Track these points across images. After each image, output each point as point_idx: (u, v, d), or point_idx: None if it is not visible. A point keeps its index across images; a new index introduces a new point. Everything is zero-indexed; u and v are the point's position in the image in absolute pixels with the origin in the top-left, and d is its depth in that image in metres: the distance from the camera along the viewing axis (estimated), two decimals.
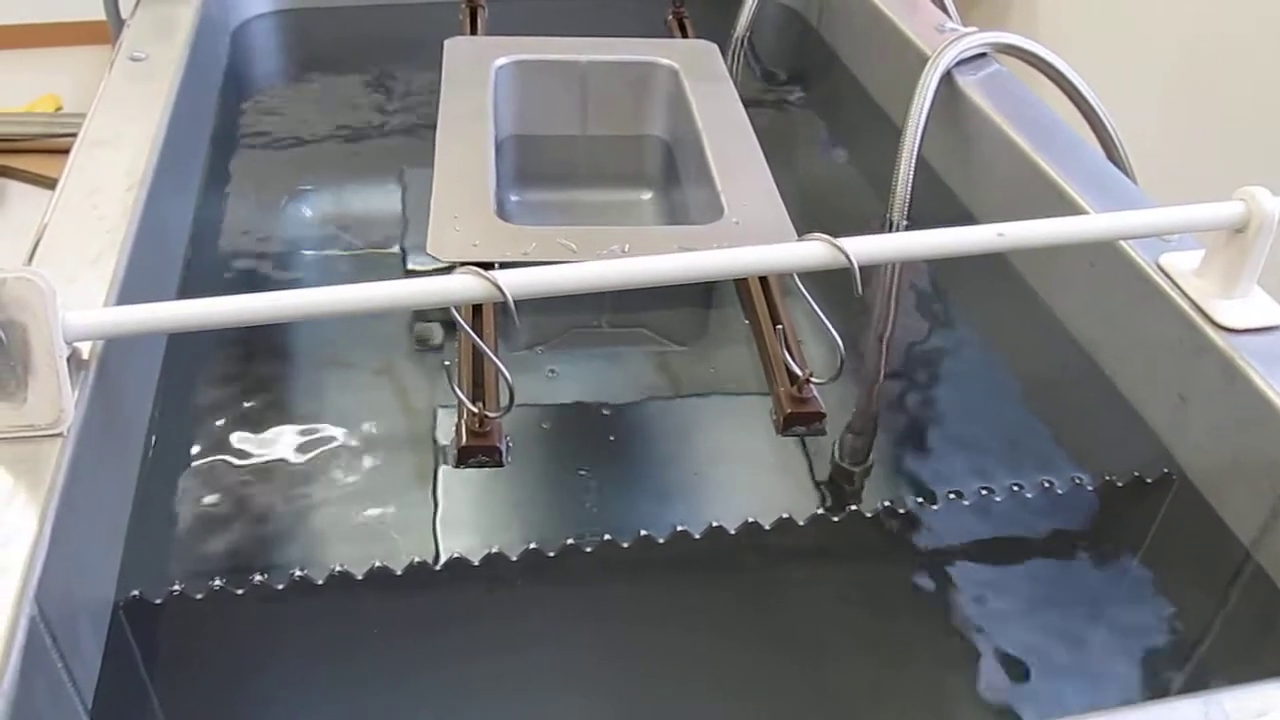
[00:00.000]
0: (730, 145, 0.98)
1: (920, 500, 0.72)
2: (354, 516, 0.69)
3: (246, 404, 0.76)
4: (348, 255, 0.95)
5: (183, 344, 0.79)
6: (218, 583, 0.63)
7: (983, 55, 1.03)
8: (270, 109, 1.14)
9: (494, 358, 0.68)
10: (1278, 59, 1.58)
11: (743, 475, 0.75)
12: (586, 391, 0.80)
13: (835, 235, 0.66)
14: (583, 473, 0.73)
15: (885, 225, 0.94)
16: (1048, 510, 0.72)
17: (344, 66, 1.21)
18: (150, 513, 0.67)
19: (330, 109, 1.14)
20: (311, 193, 1.01)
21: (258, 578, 0.64)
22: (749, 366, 0.82)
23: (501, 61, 1.07)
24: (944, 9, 1.16)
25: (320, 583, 0.64)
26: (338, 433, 0.74)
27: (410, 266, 0.93)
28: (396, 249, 0.95)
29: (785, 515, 0.69)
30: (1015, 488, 0.73)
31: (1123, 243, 0.78)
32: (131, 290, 0.71)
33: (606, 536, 0.67)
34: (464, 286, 0.61)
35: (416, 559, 0.65)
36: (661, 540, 0.68)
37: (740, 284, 0.88)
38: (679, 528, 0.68)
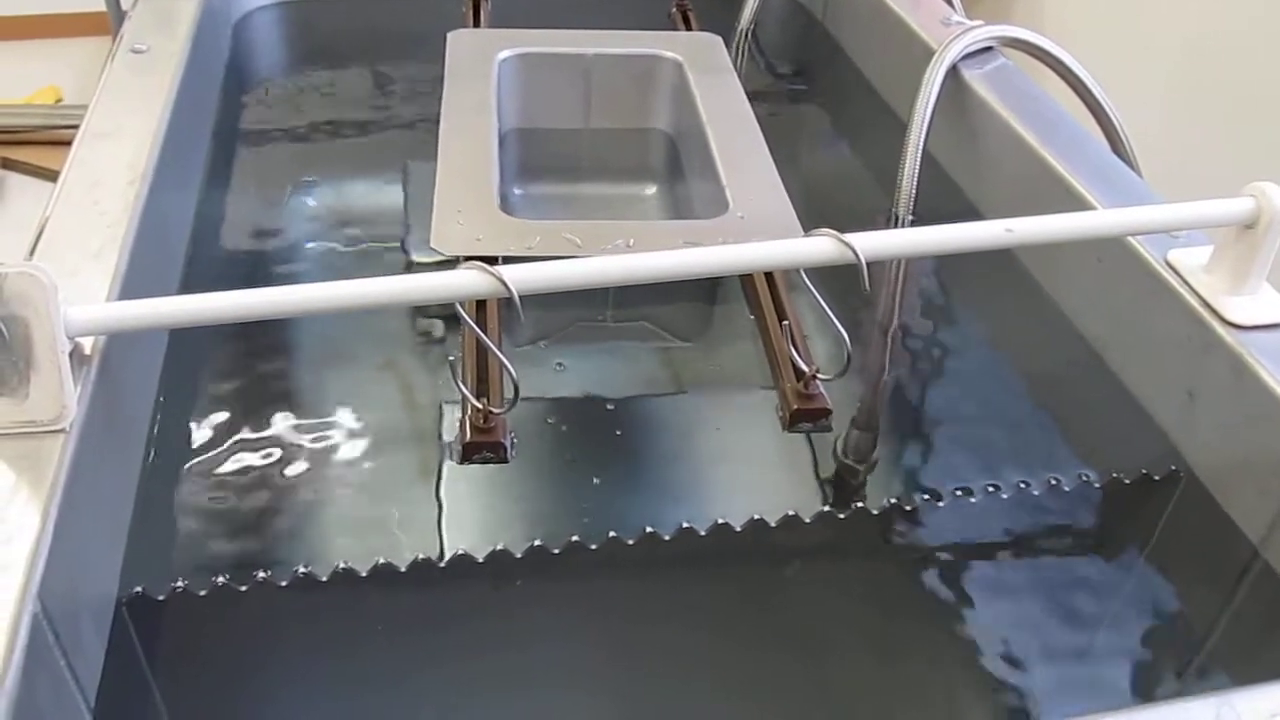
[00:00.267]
0: (735, 139, 0.97)
1: (926, 497, 0.71)
2: (358, 513, 0.69)
3: (249, 399, 0.76)
4: (350, 249, 0.94)
5: (185, 338, 0.78)
6: (221, 579, 0.63)
7: (988, 49, 1.02)
8: (272, 102, 1.14)
9: (499, 353, 0.67)
10: None
11: (748, 472, 0.75)
12: (591, 387, 0.79)
13: (840, 229, 0.65)
14: (587, 470, 0.73)
15: (890, 220, 0.93)
16: (1054, 508, 0.72)
17: (346, 59, 1.21)
18: (153, 508, 0.67)
19: (332, 102, 1.13)
20: (314, 186, 1.01)
21: (261, 574, 0.63)
22: (754, 362, 0.82)
23: (505, 54, 1.07)
24: (949, 2, 1.15)
25: (324, 579, 0.64)
26: (341, 428, 0.74)
27: (413, 260, 0.93)
28: (399, 243, 0.94)
29: (791, 512, 0.69)
30: (1022, 485, 0.72)
31: (1130, 238, 0.77)
32: (133, 284, 0.70)
33: (612, 533, 0.67)
34: (469, 282, 0.61)
35: (420, 556, 0.65)
36: (667, 537, 0.67)
37: (745, 279, 0.87)
38: (684, 525, 0.68)
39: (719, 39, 1.13)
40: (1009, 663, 0.63)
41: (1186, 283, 0.74)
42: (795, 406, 0.74)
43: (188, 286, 0.85)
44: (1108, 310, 0.81)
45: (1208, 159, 1.67)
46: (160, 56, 0.97)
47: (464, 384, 0.72)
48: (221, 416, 0.74)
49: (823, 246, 0.65)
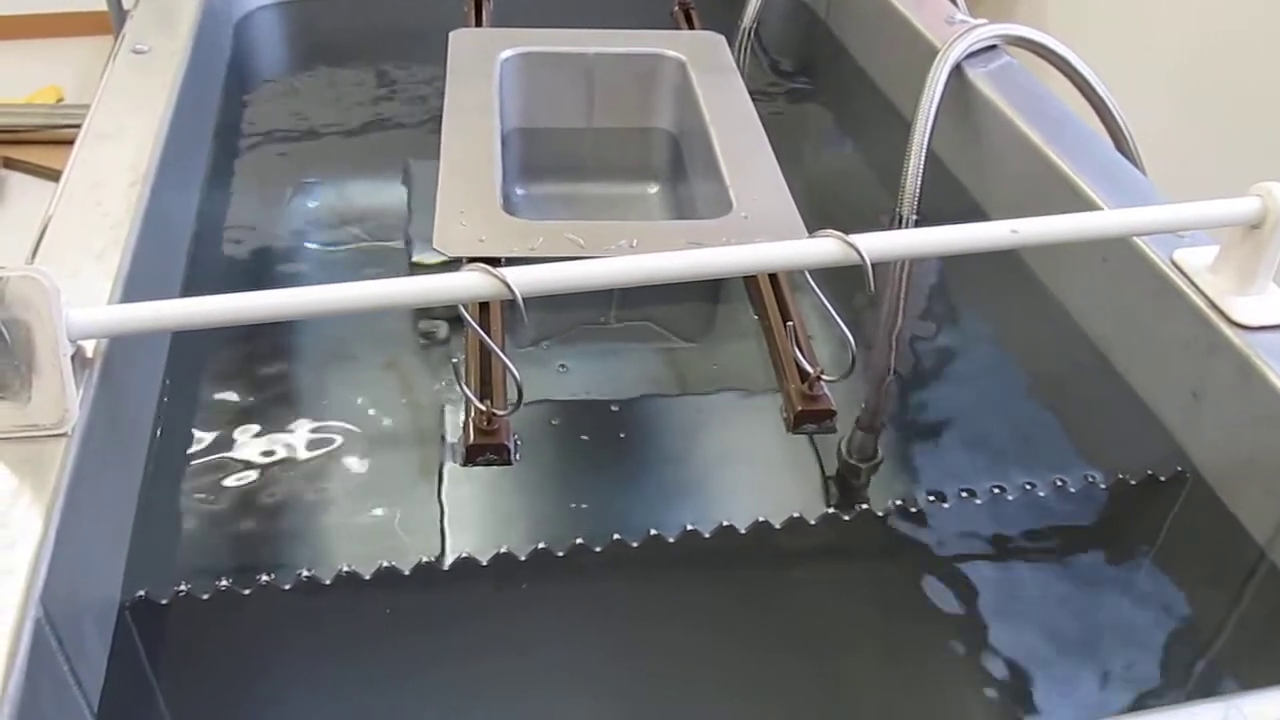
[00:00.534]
0: (738, 138, 0.97)
1: (931, 499, 0.71)
2: (361, 515, 0.68)
3: (252, 401, 0.76)
4: (353, 249, 0.94)
5: (187, 340, 0.78)
6: (224, 583, 0.63)
7: (992, 47, 1.02)
8: (274, 102, 1.14)
9: (502, 355, 0.67)
10: None
11: (753, 473, 0.75)
12: (595, 388, 0.79)
13: (844, 229, 0.65)
14: (591, 471, 0.72)
15: (894, 219, 0.93)
16: (1060, 509, 0.71)
17: (348, 58, 1.21)
18: (156, 512, 0.67)
19: (334, 102, 1.13)
20: (316, 186, 1.01)
21: (264, 578, 0.63)
22: (758, 362, 0.82)
23: (507, 54, 1.07)
24: (953, 0, 1.15)
25: (327, 582, 0.63)
26: (344, 430, 0.74)
27: (416, 260, 0.92)
28: (402, 243, 0.94)
29: (796, 514, 0.69)
30: (1028, 486, 0.72)
31: (1136, 238, 0.77)
32: (136, 286, 0.70)
33: (616, 536, 0.67)
34: (472, 284, 0.60)
35: (424, 559, 0.65)
36: (671, 539, 0.67)
37: (749, 279, 0.87)
38: (689, 527, 0.68)
39: (722, 38, 1.12)
40: (1014, 664, 0.62)
41: (1192, 283, 0.73)
42: (799, 408, 0.74)
43: (190, 287, 0.85)
44: (1113, 310, 0.81)
45: (1213, 158, 1.66)
46: (161, 56, 0.97)
47: (467, 386, 0.72)
48: (224, 419, 0.74)
49: (827, 248, 0.64)
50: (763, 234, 0.84)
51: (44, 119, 2.49)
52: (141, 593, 0.62)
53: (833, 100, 1.22)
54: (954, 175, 1.01)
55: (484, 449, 0.70)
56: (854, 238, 0.64)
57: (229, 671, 0.60)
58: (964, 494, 0.71)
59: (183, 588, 0.62)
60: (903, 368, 0.84)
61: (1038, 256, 0.89)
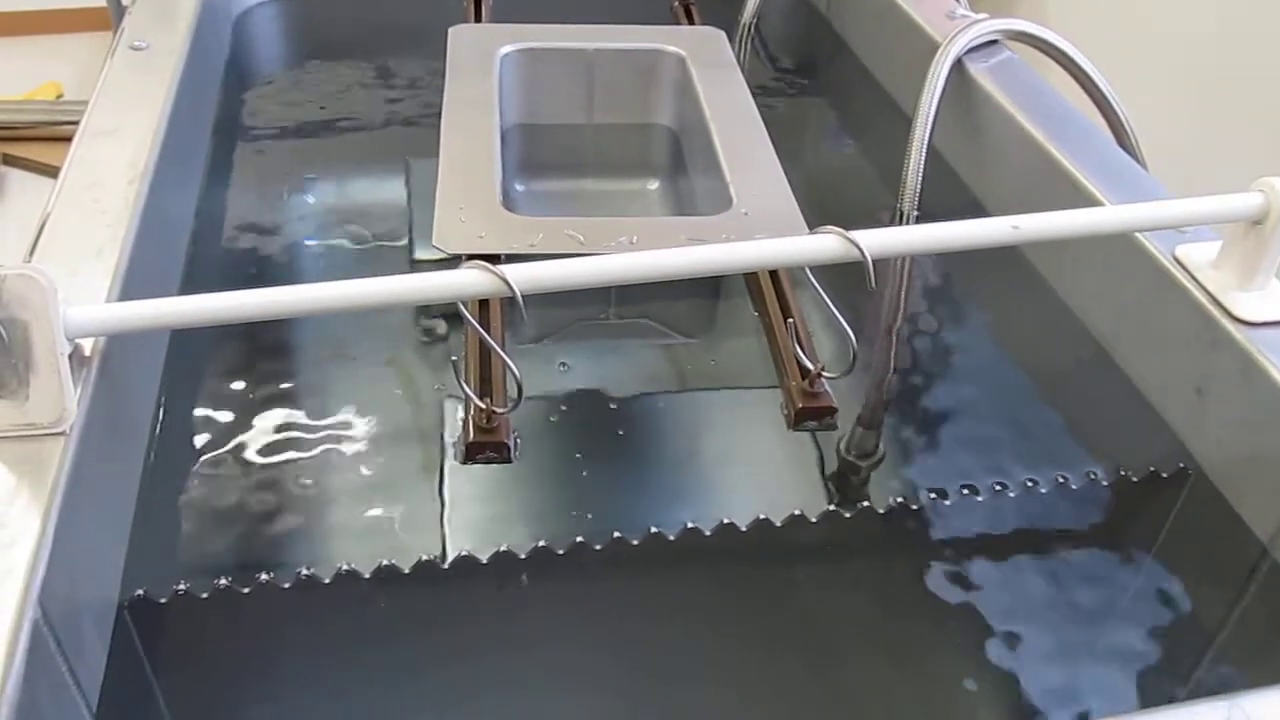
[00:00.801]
0: (738, 134, 0.96)
1: (933, 496, 0.71)
2: (361, 514, 0.68)
3: (251, 398, 0.76)
4: (352, 246, 0.94)
5: (186, 337, 0.78)
6: (224, 581, 0.63)
7: (993, 42, 1.01)
8: (273, 98, 1.13)
9: (502, 353, 0.67)
10: None
11: (753, 470, 0.74)
12: (595, 385, 0.79)
13: (844, 225, 0.65)
14: (591, 469, 0.72)
15: (895, 215, 0.93)
16: (1062, 506, 0.71)
17: (347, 54, 1.20)
18: (155, 510, 0.67)
19: (334, 97, 1.13)
20: (315, 183, 1.01)
21: (264, 576, 0.63)
22: (758, 358, 0.81)
23: (506, 49, 1.06)
24: None
25: (327, 581, 0.63)
26: (344, 428, 0.74)
27: (416, 257, 0.92)
28: (402, 240, 0.94)
29: (797, 512, 0.69)
30: (1029, 483, 0.72)
31: (1138, 234, 0.77)
32: (134, 284, 0.70)
33: (616, 533, 0.67)
34: (472, 281, 0.60)
35: (424, 557, 0.65)
36: (672, 537, 0.67)
37: (750, 276, 0.87)
38: (689, 525, 0.68)
39: (722, 33, 1.12)
40: (1016, 662, 0.62)
41: (1195, 278, 0.73)
42: (800, 405, 0.74)
43: (189, 284, 0.85)
44: (1115, 306, 0.80)
45: (1214, 152, 1.66)
46: (160, 52, 0.96)
47: (467, 384, 0.71)
48: (223, 417, 0.74)
49: (828, 244, 0.64)
50: (763, 230, 0.84)
51: (43, 115, 2.48)
52: (140, 591, 0.62)
53: (833, 96, 1.22)
54: (955, 171, 1.01)
55: (484, 447, 0.70)
56: (855, 234, 0.64)
57: (228, 671, 0.60)
58: (965, 491, 0.71)
59: (182, 586, 0.62)
60: (903, 364, 0.84)
61: (1039, 252, 0.89)
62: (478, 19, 1.22)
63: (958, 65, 0.97)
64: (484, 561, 0.65)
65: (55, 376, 0.56)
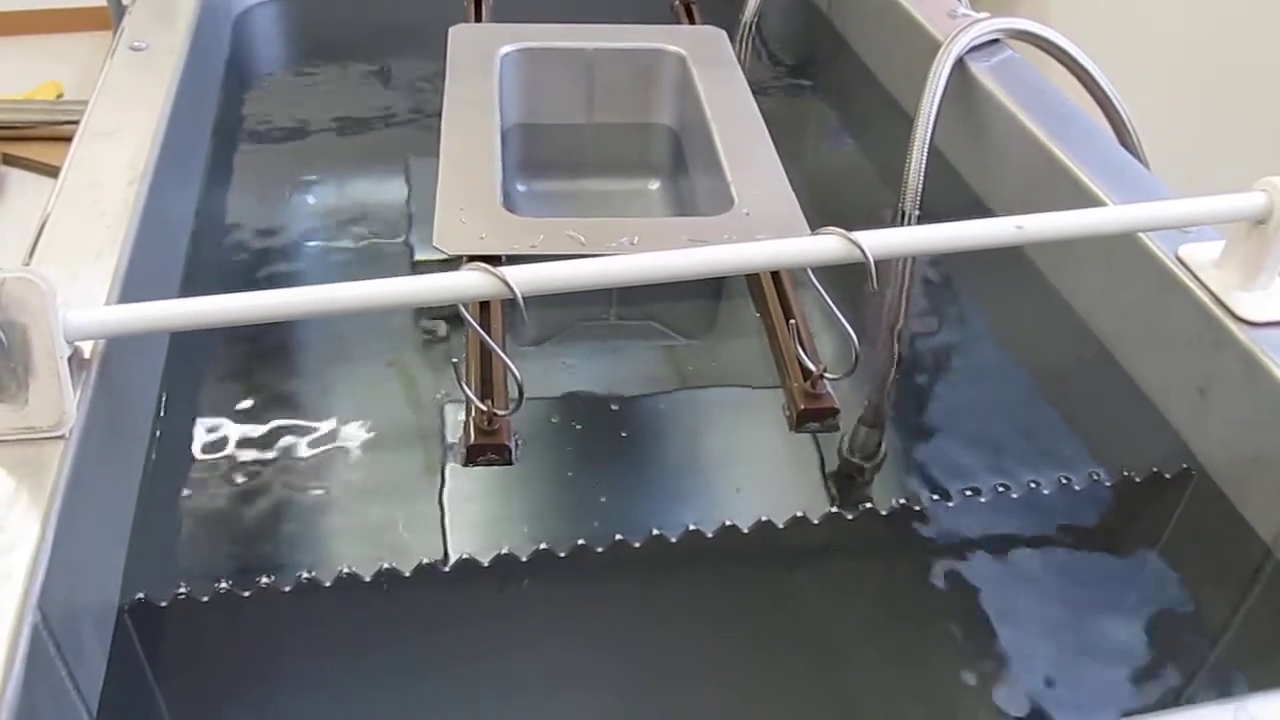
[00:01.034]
0: (739, 134, 0.96)
1: (936, 497, 0.70)
2: (361, 516, 0.68)
3: (252, 400, 0.75)
4: (353, 247, 0.93)
5: (186, 339, 0.78)
6: (224, 585, 0.62)
7: (995, 41, 1.01)
8: (273, 98, 1.13)
9: (503, 355, 0.66)
10: None
11: (755, 471, 0.74)
12: (596, 387, 0.79)
13: (846, 225, 0.64)
14: (593, 471, 0.72)
15: (897, 215, 0.93)
16: (1065, 507, 0.71)
17: (348, 54, 1.20)
18: (155, 513, 0.66)
19: (334, 98, 1.12)
20: (315, 184, 1.00)
21: (264, 579, 0.63)
22: (760, 359, 0.81)
23: (507, 49, 1.06)
24: None
25: (328, 584, 0.63)
26: (345, 430, 0.73)
27: (416, 258, 0.92)
28: (402, 240, 0.94)
29: (799, 514, 0.68)
30: (1032, 484, 0.72)
31: (1141, 233, 0.76)
32: (134, 285, 0.70)
33: (618, 536, 0.66)
34: (473, 283, 0.60)
35: (425, 560, 0.64)
36: (674, 540, 0.67)
37: (751, 276, 0.87)
38: (691, 527, 0.67)
39: (723, 32, 1.12)
40: (1019, 665, 0.62)
41: (1198, 278, 0.73)
42: (802, 406, 0.73)
43: (189, 285, 0.85)
44: (1118, 306, 0.80)
45: (1215, 151, 1.66)
46: (160, 53, 0.96)
47: (468, 386, 0.71)
48: (224, 419, 0.74)
49: (830, 245, 0.64)
50: (764, 230, 0.83)
51: (43, 115, 2.48)
52: (140, 595, 0.61)
53: (834, 95, 1.22)
54: (957, 170, 1.00)
55: (485, 449, 0.70)
56: (857, 235, 0.63)
57: (229, 674, 0.60)
58: (968, 492, 0.71)
59: (182, 590, 0.62)
60: (906, 364, 0.83)
61: (1042, 252, 0.88)
62: (478, 19, 1.22)
63: (959, 64, 0.97)
64: (485, 564, 0.65)
65: (55, 380, 0.56)
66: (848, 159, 1.12)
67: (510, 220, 0.84)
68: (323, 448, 0.72)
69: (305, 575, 0.63)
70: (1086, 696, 0.61)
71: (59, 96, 2.66)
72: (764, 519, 0.68)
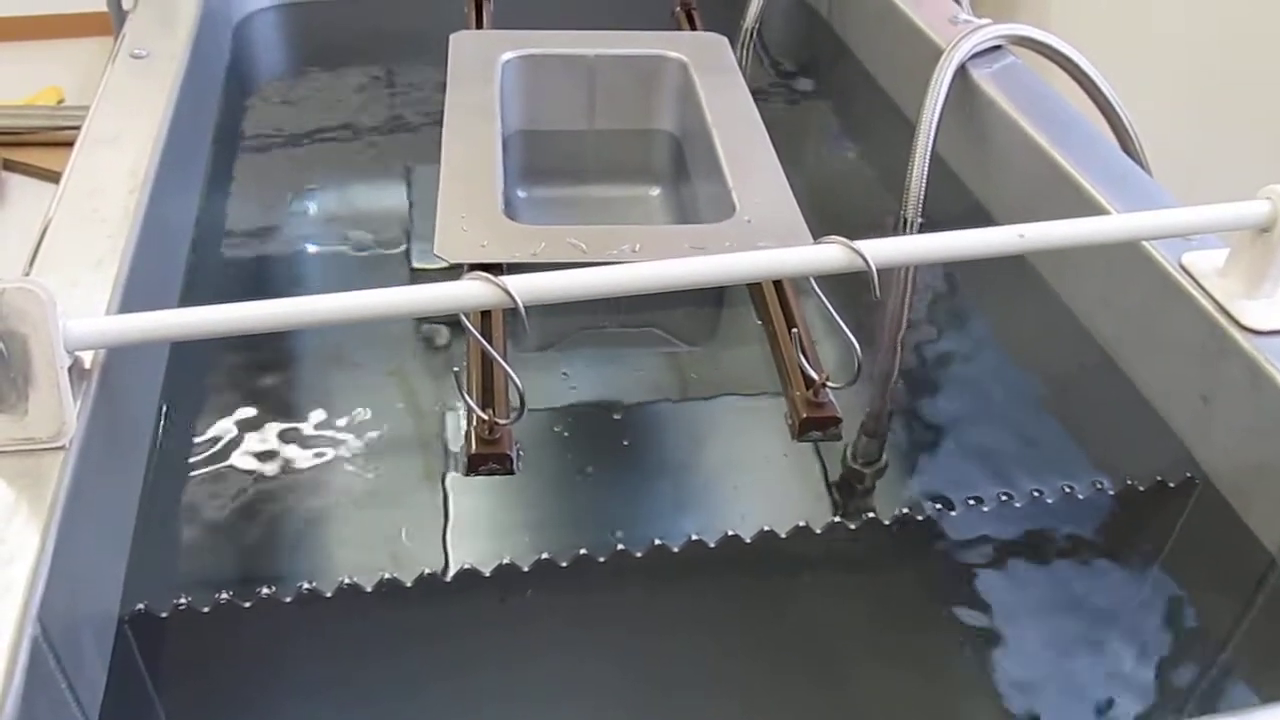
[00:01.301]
0: (741, 140, 0.96)
1: (939, 507, 0.70)
2: (362, 526, 0.68)
3: (252, 409, 0.75)
4: (354, 254, 0.93)
5: (187, 348, 0.77)
6: (224, 595, 0.62)
7: (997, 47, 1.01)
8: (274, 105, 1.13)
9: (504, 364, 0.66)
10: None
11: (758, 480, 0.74)
12: (598, 394, 0.78)
13: (847, 231, 0.64)
14: (595, 480, 0.72)
15: (899, 222, 0.93)
16: (1068, 516, 0.71)
17: (348, 61, 1.20)
18: (155, 523, 0.66)
19: (334, 105, 1.12)
20: (316, 191, 1.00)
21: (265, 590, 0.63)
22: (762, 367, 0.81)
23: (508, 56, 1.06)
24: (956, 0, 1.14)
25: (329, 595, 0.63)
26: (346, 439, 0.73)
27: (416, 265, 0.92)
28: (403, 248, 0.94)
29: (802, 523, 0.68)
30: (1035, 493, 0.71)
31: (1144, 240, 0.76)
32: (135, 294, 0.70)
33: (620, 546, 0.66)
34: (474, 293, 0.60)
35: (426, 570, 0.64)
36: (676, 549, 0.67)
37: (753, 284, 0.86)
38: (693, 537, 0.67)
39: (724, 39, 1.12)
40: (1024, 675, 0.62)
41: (1201, 286, 0.73)
42: (804, 415, 0.73)
43: (189, 292, 0.84)
44: (1120, 313, 0.80)
45: (1217, 157, 1.66)
46: (160, 60, 0.96)
47: (469, 395, 0.71)
48: (225, 427, 0.73)
49: (832, 254, 0.64)
50: (766, 238, 0.83)
51: (44, 120, 2.48)
52: (141, 606, 0.61)
53: (836, 101, 1.21)
54: (958, 177, 1.00)
55: (486, 458, 0.70)
56: (859, 244, 0.63)
57: (230, 686, 0.60)
58: (971, 502, 0.71)
59: (183, 601, 0.62)
60: (908, 371, 0.83)
61: (1044, 259, 0.88)
62: (479, 25, 1.22)
63: (961, 71, 0.96)
64: (487, 574, 0.64)
65: (55, 390, 0.56)
66: (849, 165, 1.12)
67: (511, 228, 0.84)
68: (323, 457, 0.72)
69: (306, 586, 0.63)
70: (1090, 707, 0.61)
71: (60, 102, 2.66)
72: (766, 529, 0.68)
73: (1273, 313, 0.70)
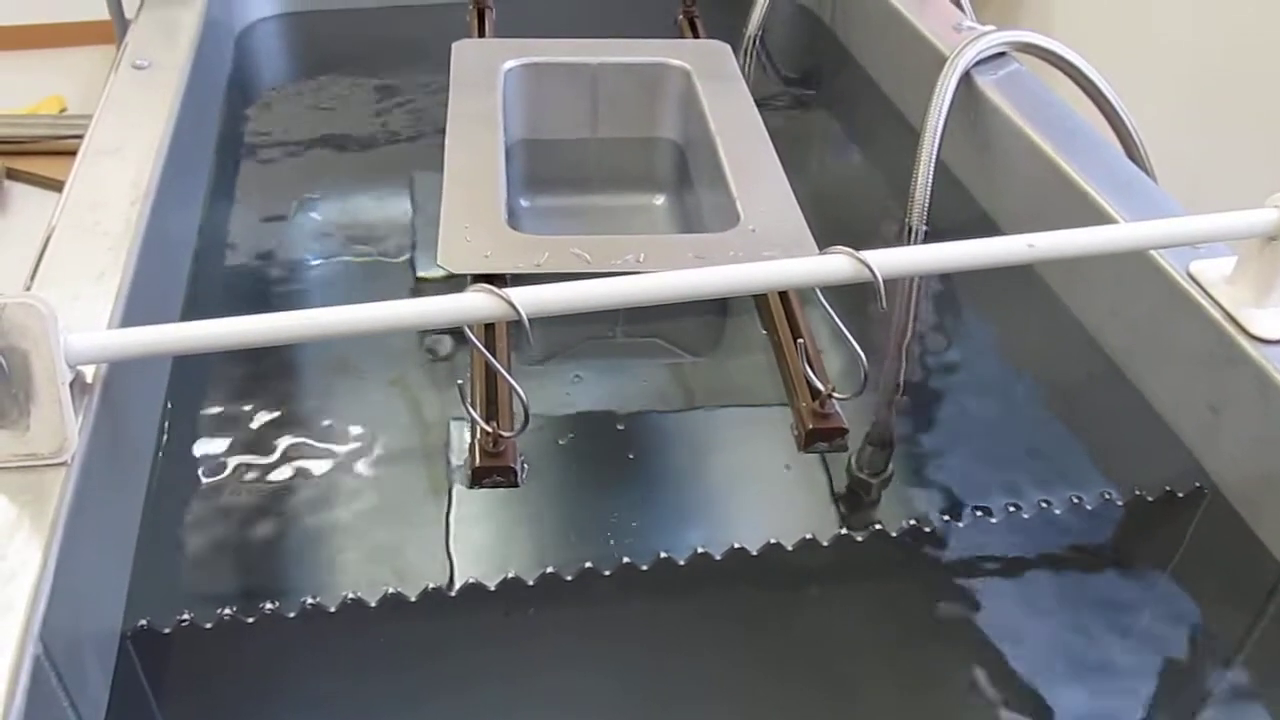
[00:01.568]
0: (744, 148, 0.96)
1: (946, 518, 0.70)
2: (366, 539, 0.67)
3: (255, 422, 0.75)
4: (357, 264, 0.93)
5: (189, 360, 0.77)
6: (228, 611, 0.62)
7: (1001, 54, 1.01)
8: (276, 115, 1.13)
9: (509, 377, 0.66)
10: None
11: (763, 492, 0.73)
12: (602, 406, 0.78)
13: (851, 239, 0.64)
14: (599, 493, 0.71)
15: (904, 230, 0.92)
16: (1076, 527, 0.70)
17: (350, 71, 1.19)
18: (158, 539, 0.66)
19: (337, 114, 1.12)
20: (319, 201, 1.00)
21: (268, 605, 0.62)
22: (767, 376, 0.81)
23: (510, 64, 1.06)
24: (959, 6, 1.14)
25: (332, 610, 0.62)
26: (349, 451, 0.73)
27: (420, 275, 0.91)
28: (406, 257, 0.93)
29: (809, 536, 0.68)
30: (1044, 504, 0.71)
31: (1152, 250, 0.76)
32: (137, 306, 0.69)
33: (625, 559, 0.66)
34: (478, 305, 0.59)
35: (431, 585, 0.64)
36: (682, 562, 0.66)
37: (759, 294, 0.86)
38: (699, 549, 0.67)
39: (727, 46, 1.11)
40: (1032, 687, 0.61)
41: (1209, 295, 0.72)
42: (811, 426, 0.73)
43: (192, 304, 0.84)
44: (1128, 322, 0.79)
45: (1222, 163, 1.65)
46: (162, 69, 0.96)
47: (473, 407, 0.71)
48: (227, 441, 0.73)
49: (838, 265, 0.63)
50: (771, 247, 0.83)
51: (47, 129, 2.48)
52: (143, 622, 0.61)
53: (839, 108, 1.21)
54: (963, 185, 1.00)
55: (490, 471, 0.69)
56: (866, 254, 0.63)
57: (233, 702, 0.59)
58: (979, 513, 0.70)
59: (185, 616, 0.61)
60: (914, 381, 0.83)
61: (1050, 267, 0.88)
62: (481, 34, 1.21)
63: (965, 78, 0.96)
64: (491, 589, 0.64)
65: (56, 406, 0.55)
66: (853, 173, 1.11)
67: (515, 238, 0.83)
68: (326, 470, 0.71)
69: (309, 601, 0.63)
70: (1099, 719, 0.60)
71: (62, 111, 2.66)
72: (772, 541, 0.67)
73: None
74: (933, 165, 0.91)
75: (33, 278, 0.70)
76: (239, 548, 0.66)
